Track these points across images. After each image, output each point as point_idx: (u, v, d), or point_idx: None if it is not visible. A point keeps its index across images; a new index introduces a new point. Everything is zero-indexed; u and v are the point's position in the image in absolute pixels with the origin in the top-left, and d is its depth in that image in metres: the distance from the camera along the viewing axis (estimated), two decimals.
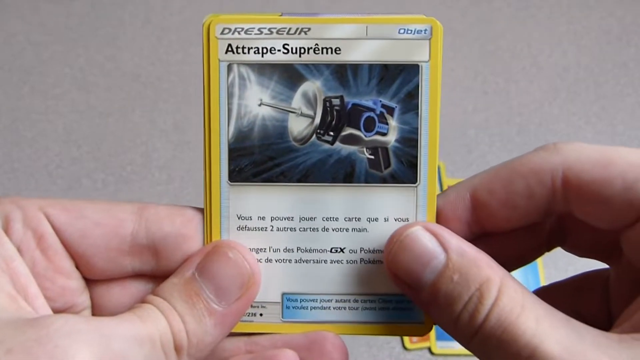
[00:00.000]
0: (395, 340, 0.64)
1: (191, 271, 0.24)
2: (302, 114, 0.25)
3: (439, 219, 0.25)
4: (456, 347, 0.62)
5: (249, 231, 0.26)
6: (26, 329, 0.20)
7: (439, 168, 0.73)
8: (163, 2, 0.85)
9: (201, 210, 0.26)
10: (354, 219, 0.26)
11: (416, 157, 0.25)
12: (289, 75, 0.25)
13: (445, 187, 0.63)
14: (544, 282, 0.66)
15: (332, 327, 0.26)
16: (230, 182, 0.26)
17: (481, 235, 0.25)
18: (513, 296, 0.22)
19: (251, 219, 0.26)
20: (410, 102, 0.25)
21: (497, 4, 0.85)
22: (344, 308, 0.26)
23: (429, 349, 0.63)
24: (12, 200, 0.24)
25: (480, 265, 0.22)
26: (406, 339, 0.64)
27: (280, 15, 0.25)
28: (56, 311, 0.24)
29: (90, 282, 0.26)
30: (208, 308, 0.23)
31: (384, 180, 0.25)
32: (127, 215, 0.25)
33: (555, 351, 0.20)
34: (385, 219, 0.26)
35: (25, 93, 0.78)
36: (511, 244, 0.26)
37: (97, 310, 0.26)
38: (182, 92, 0.78)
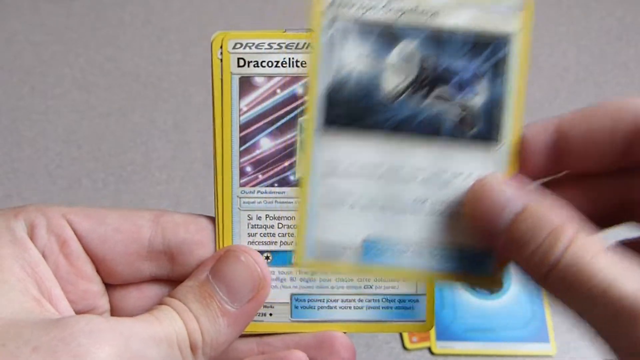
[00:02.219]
0: (395, 340, 0.64)
1: (205, 274, 0.25)
2: (397, 71, 0.26)
3: (521, 144, 0.26)
4: (456, 347, 0.62)
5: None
6: (51, 329, 0.21)
7: None
8: (163, 2, 0.85)
9: (213, 219, 0.27)
10: (437, 175, 0.26)
11: (501, 120, 0.26)
12: (388, 34, 0.26)
13: None
14: None
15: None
16: (325, 127, 0.25)
17: (557, 180, 0.26)
18: (589, 239, 0.22)
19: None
20: (500, 69, 0.26)
21: None
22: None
23: (429, 349, 0.63)
24: (36, 208, 0.25)
25: (556, 210, 0.23)
26: (406, 339, 0.64)
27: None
28: (78, 313, 0.25)
29: (109, 286, 0.27)
30: (221, 309, 0.24)
31: (469, 140, 0.26)
32: (144, 222, 0.26)
33: (629, 289, 0.20)
34: (467, 175, 0.26)
35: (25, 93, 0.78)
36: (585, 195, 0.26)
37: (115, 313, 0.27)
38: (182, 92, 0.78)
